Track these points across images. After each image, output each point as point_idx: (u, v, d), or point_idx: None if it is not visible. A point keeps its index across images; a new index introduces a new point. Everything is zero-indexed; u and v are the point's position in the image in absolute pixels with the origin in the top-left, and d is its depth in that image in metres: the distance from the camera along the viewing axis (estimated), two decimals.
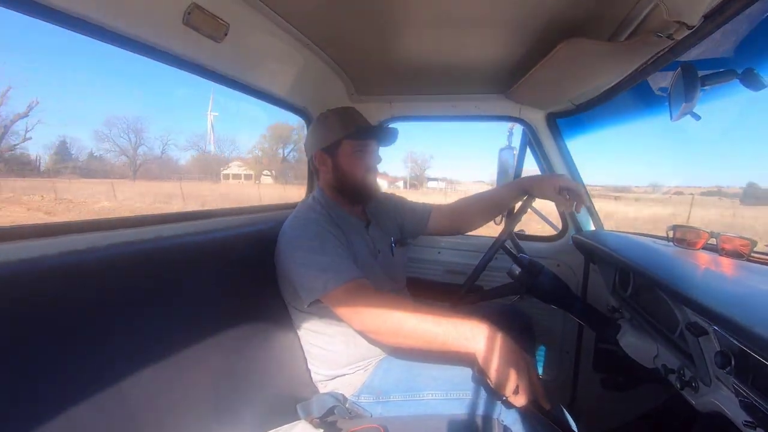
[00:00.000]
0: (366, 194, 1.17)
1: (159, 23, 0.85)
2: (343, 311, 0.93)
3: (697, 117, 0.86)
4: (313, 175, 1.67)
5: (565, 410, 1.04)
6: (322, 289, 0.93)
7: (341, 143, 1.12)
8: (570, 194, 1.16)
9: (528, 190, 1.22)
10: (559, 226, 1.67)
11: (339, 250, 0.99)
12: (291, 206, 1.44)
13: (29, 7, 0.66)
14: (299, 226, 1.04)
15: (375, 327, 0.89)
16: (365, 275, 0.97)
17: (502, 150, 1.63)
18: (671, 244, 1.07)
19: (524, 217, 1.32)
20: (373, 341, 1.04)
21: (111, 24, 0.77)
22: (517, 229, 1.47)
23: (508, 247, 1.27)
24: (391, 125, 1.77)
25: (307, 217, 1.06)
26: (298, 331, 1.11)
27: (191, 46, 0.95)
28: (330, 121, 1.14)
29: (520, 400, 0.79)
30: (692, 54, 0.88)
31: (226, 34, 0.97)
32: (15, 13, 0.65)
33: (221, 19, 0.93)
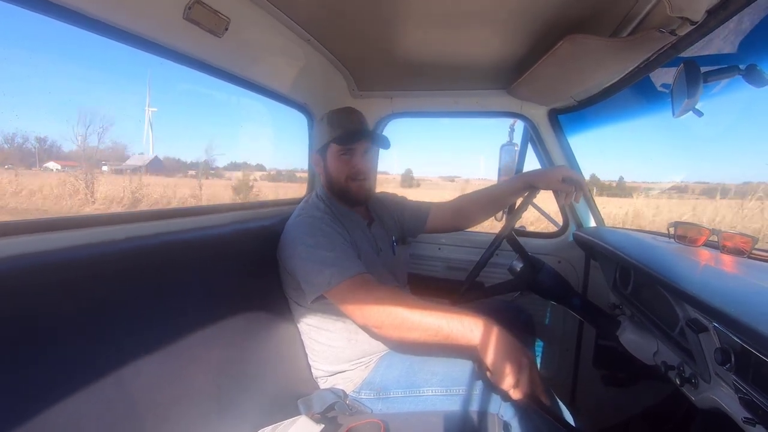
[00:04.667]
0: (351, 197, 1.15)
1: (159, 18, 0.85)
2: (346, 306, 0.93)
3: (700, 113, 0.86)
4: (313, 174, 1.67)
5: (564, 406, 1.05)
6: (326, 284, 0.93)
7: (329, 146, 1.13)
8: (571, 184, 1.17)
9: (532, 183, 1.22)
10: (560, 222, 1.67)
11: (343, 246, 1.00)
12: (293, 202, 1.44)
13: (28, 0, 0.66)
14: (304, 223, 1.04)
15: (379, 321, 0.89)
16: (369, 271, 0.98)
17: (503, 146, 1.62)
18: (672, 241, 1.07)
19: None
20: (376, 336, 1.05)
21: (110, 18, 0.77)
22: (517, 225, 1.47)
23: (510, 242, 1.27)
24: (393, 121, 1.78)
25: (311, 213, 1.06)
26: (299, 327, 1.12)
27: (192, 41, 0.95)
28: (323, 123, 1.15)
29: (519, 395, 0.79)
30: (695, 50, 0.88)
31: (226, 29, 0.96)
32: (13, 6, 0.65)
33: (222, 14, 0.93)
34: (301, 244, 1.00)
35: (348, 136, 1.11)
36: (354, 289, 0.93)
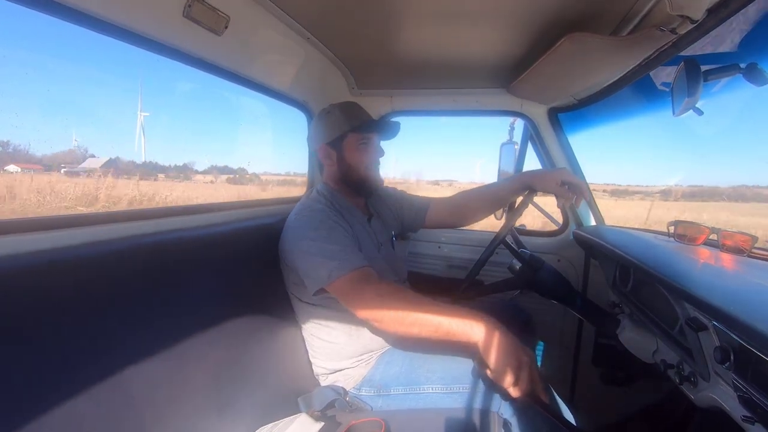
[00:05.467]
0: (369, 186, 1.19)
1: (159, 16, 0.85)
2: (347, 300, 0.93)
3: (700, 112, 0.86)
4: (314, 169, 1.67)
5: (564, 404, 1.05)
6: (327, 278, 0.93)
7: (346, 137, 1.13)
8: (571, 188, 1.16)
9: (530, 184, 1.22)
10: (560, 221, 1.67)
11: (345, 240, 1.00)
12: (295, 200, 1.44)
13: None
14: (305, 217, 1.05)
15: (379, 316, 0.89)
16: (369, 266, 0.98)
17: (503, 145, 1.62)
18: (672, 239, 1.07)
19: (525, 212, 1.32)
20: (376, 331, 1.05)
21: (110, 16, 0.76)
22: (518, 224, 1.47)
23: (509, 242, 1.27)
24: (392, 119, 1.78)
25: (312, 207, 1.07)
26: (301, 324, 1.12)
27: (191, 40, 0.94)
28: (334, 115, 1.14)
29: (519, 394, 0.79)
30: (695, 49, 0.88)
31: (226, 27, 0.96)
32: (11, 4, 0.65)
33: (221, 12, 0.93)
34: (303, 237, 1.00)
35: (368, 125, 1.15)
36: (355, 283, 0.93)
